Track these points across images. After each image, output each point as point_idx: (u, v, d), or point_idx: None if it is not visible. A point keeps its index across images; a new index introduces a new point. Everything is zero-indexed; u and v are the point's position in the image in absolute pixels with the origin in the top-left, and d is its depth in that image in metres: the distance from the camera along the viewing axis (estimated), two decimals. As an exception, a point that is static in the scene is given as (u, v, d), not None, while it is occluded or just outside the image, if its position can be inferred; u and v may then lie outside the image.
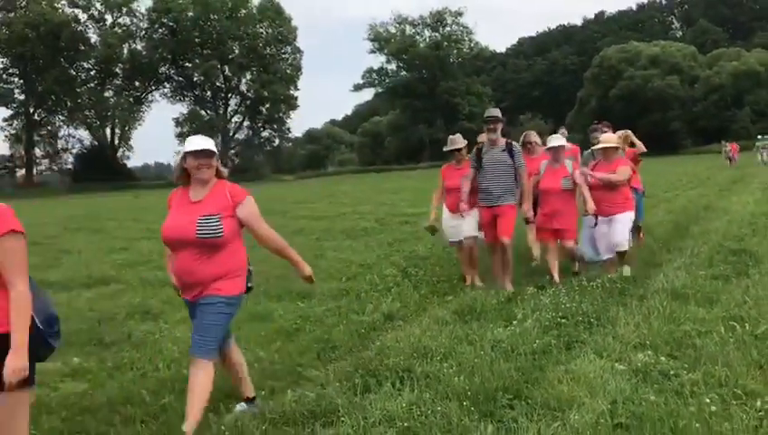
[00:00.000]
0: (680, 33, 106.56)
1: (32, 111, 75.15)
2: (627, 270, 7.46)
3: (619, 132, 8.90)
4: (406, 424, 3.69)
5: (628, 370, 4.43)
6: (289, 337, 5.88)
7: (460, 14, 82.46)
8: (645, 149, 9.24)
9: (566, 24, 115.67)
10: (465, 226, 7.62)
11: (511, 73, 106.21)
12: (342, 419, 3.85)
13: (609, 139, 7.85)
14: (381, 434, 3.63)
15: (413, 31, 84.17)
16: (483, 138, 7.71)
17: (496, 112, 7.51)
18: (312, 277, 4.09)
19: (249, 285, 4.01)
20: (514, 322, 5.69)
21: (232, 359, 4.08)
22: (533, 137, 8.74)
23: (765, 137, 36.64)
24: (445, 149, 7.92)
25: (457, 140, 7.81)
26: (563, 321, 5.62)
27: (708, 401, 3.74)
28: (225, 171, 3.94)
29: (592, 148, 8.55)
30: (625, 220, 7.44)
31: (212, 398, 4.36)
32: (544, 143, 8.28)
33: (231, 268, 3.80)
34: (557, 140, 7.73)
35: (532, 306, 6.19)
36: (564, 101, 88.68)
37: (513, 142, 7.48)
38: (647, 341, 4.99)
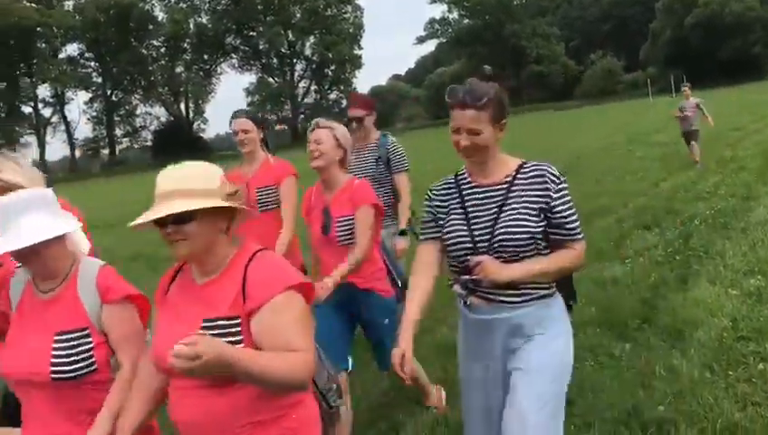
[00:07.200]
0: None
1: (109, 92, 78.48)
2: None
3: None
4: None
5: (741, 294, 4.97)
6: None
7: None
8: None
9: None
10: None
11: (578, 10, 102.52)
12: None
13: None
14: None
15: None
16: None
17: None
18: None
19: None
20: (627, 260, 6.27)
21: None
22: None
23: None
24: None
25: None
26: (676, 258, 6.16)
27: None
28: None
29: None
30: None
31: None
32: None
33: None
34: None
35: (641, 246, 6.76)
36: (636, 34, 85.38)
37: None
38: (755, 268, 5.50)
